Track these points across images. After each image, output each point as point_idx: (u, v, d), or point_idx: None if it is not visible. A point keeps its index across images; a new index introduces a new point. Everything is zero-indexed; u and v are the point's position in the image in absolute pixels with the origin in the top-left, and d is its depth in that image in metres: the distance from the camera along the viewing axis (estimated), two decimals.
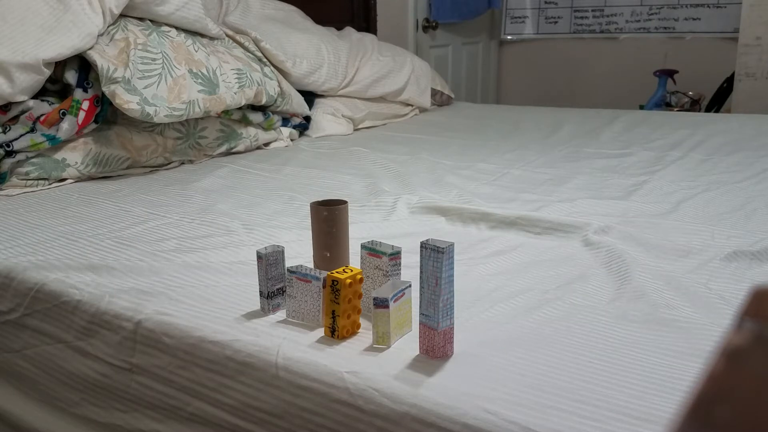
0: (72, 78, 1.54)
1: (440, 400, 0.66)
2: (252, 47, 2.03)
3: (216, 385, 0.79)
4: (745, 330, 0.32)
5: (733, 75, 3.12)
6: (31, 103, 1.50)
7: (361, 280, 0.79)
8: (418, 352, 0.75)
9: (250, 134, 1.90)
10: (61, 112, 1.51)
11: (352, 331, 0.80)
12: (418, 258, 0.93)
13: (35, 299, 0.97)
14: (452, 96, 2.90)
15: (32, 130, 1.48)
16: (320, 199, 1.32)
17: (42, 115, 1.49)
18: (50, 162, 1.50)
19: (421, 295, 0.73)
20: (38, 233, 1.18)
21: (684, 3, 3.53)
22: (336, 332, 0.78)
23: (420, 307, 0.73)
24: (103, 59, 1.53)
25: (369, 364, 0.73)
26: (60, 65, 1.55)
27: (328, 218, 0.92)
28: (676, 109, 3.29)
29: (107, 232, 1.18)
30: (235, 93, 1.78)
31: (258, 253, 0.85)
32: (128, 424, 0.88)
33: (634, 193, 1.40)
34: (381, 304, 0.75)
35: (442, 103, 2.84)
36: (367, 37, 2.58)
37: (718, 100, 3.22)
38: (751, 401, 0.28)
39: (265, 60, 2.03)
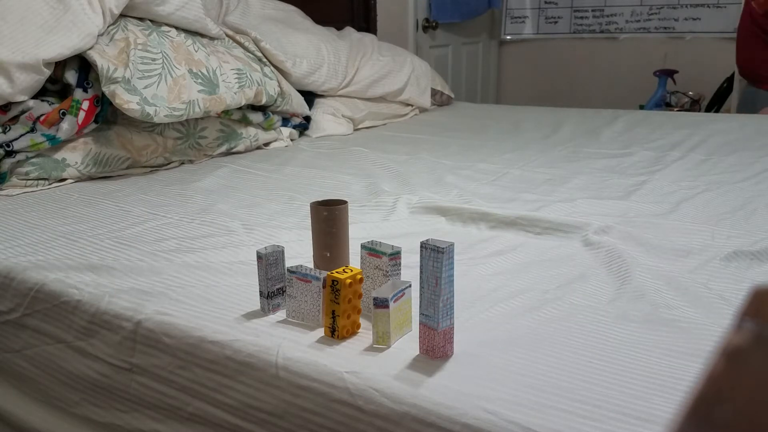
0: (72, 78, 1.54)
1: (440, 400, 0.66)
2: (252, 47, 2.03)
3: (216, 385, 0.79)
4: (745, 330, 0.32)
5: (733, 75, 3.12)
6: (31, 103, 1.50)
7: (361, 280, 0.79)
8: (418, 352, 0.75)
9: (250, 134, 1.90)
10: (61, 112, 1.51)
11: (352, 331, 0.80)
12: (418, 258, 0.93)
13: (35, 299, 0.97)
14: (452, 96, 2.90)
15: (32, 130, 1.48)
16: (320, 199, 1.32)
17: (42, 115, 1.49)
18: (50, 162, 1.50)
19: (421, 295, 0.73)
20: (38, 233, 1.18)
21: (684, 3, 3.53)
22: (336, 332, 0.78)
23: (420, 307, 0.73)
24: (103, 59, 1.53)
25: (369, 364, 0.73)
26: (60, 65, 1.55)
27: (328, 218, 0.92)
28: (676, 109, 3.29)
29: (107, 232, 1.18)
30: (235, 93, 1.78)
31: (258, 253, 0.85)
32: (128, 424, 0.88)
33: (634, 193, 1.40)
34: (381, 304, 0.75)
35: (442, 103, 2.84)
36: (367, 37, 2.58)
37: (718, 100, 3.22)
38: (751, 401, 0.28)
39: (265, 60, 2.03)
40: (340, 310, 0.77)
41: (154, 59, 1.63)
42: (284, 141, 2.01)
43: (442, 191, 1.43)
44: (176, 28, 1.79)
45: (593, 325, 0.81)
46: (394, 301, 0.76)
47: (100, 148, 1.57)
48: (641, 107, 3.42)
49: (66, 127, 1.50)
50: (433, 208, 1.29)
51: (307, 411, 0.72)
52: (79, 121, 1.52)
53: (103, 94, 1.55)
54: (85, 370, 0.92)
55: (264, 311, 0.86)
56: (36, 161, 1.49)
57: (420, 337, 0.74)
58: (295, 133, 2.08)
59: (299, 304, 0.83)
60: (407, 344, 0.77)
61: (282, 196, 1.42)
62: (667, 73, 3.39)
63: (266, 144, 1.97)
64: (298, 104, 2.06)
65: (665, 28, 3.60)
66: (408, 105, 2.58)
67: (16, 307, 0.99)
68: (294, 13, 2.44)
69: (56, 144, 1.50)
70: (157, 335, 0.84)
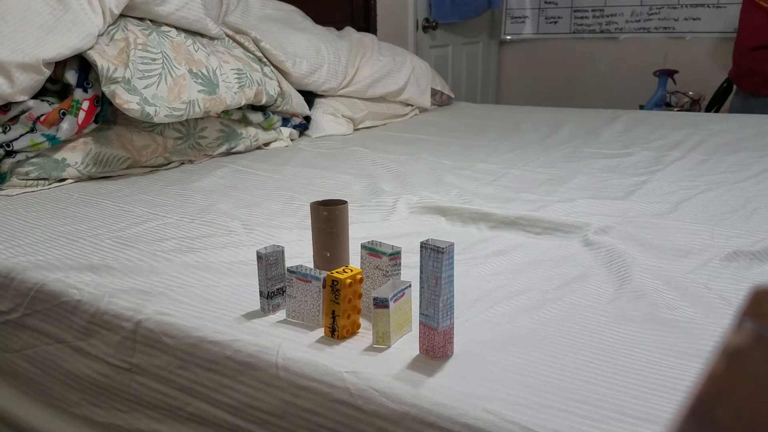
0: (72, 78, 1.54)
1: (440, 400, 0.66)
2: (252, 47, 2.03)
3: (216, 385, 0.79)
4: (745, 330, 0.32)
5: None
6: (31, 103, 1.50)
7: (361, 280, 0.79)
8: (418, 352, 0.75)
9: (250, 134, 1.90)
10: (61, 112, 1.51)
11: (352, 331, 0.80)
12: (418, 258, 0.93)
13: (35, 299, 0.97)
14: (452, 96, 2.90)
15: (32, 130, 1.48)
16: (320, 199, 1.32)
17: (42, 115, 1.49)
18: (50, 162, 1.50)
19: (421, 295, 0.73)
20: (38, 233, 1.18)
21: (684, 3, 3.53)
22: (336, 332, 0.78)
23: (420, 307, 0.73)
24: (103, 59, 1.53)
25: (369, 364, 0.73)
26: (60, 65, 1.55)
27: (328, 218, 0.92)
28: (676, 109, 3.29)
29: (107, 232, 1.18)
30: (235, 93, 1.78)
31: (258, 253, 0.85)
32: (128, 424, 0.88)
33: (634, 193, 1.40)
34: (381, 304, 0.75)
35: (442, 103, 2.84)
36: (367, 37, 2.58)
37: (718, 100, 3.22)
38: (751, 401, 0.28)
39: (265, 60, 2.03)
40: (340, 310, 0.77)
41: (154, 59, 1.63)
42: (284, 141, 2.01)
43: (442, 191, 1.43)
44: (176, 28, 1.79)
45: (593, 325, 0.81)
46: (394, 301, 0.76)
47: (100, 148, 1.57)
48: (641, 107, 3.42)
49: (66, 127, 1.50)
50: (433, 208, 1.29)
51: (307, 411, 0.72)
52: (79, 121, 1.52)
53: (103, 94, 1.55)
54: (85, 370, 0.92)
55: (264, 311, 0.86)
56: (36, 161, 1.49)
57: (420, 337, 0.74)
58: (295, 133, 2.08)
59: (299, 304, 0.83)
60: (407, 344, 0.77)
61: (282, 196, 1.42)
62: (667, 73, 3.39)
63: (266, 144, 1.97)
64: (298, 104, 2.06)
65: (665, 28, 3.60)
66: (408, 105, 2.58)
67: (16, 307, 0.99)
68: (294, 13, 2.44)
69: (56, 144, 1.50)
70: (157, 335, 0.84)
